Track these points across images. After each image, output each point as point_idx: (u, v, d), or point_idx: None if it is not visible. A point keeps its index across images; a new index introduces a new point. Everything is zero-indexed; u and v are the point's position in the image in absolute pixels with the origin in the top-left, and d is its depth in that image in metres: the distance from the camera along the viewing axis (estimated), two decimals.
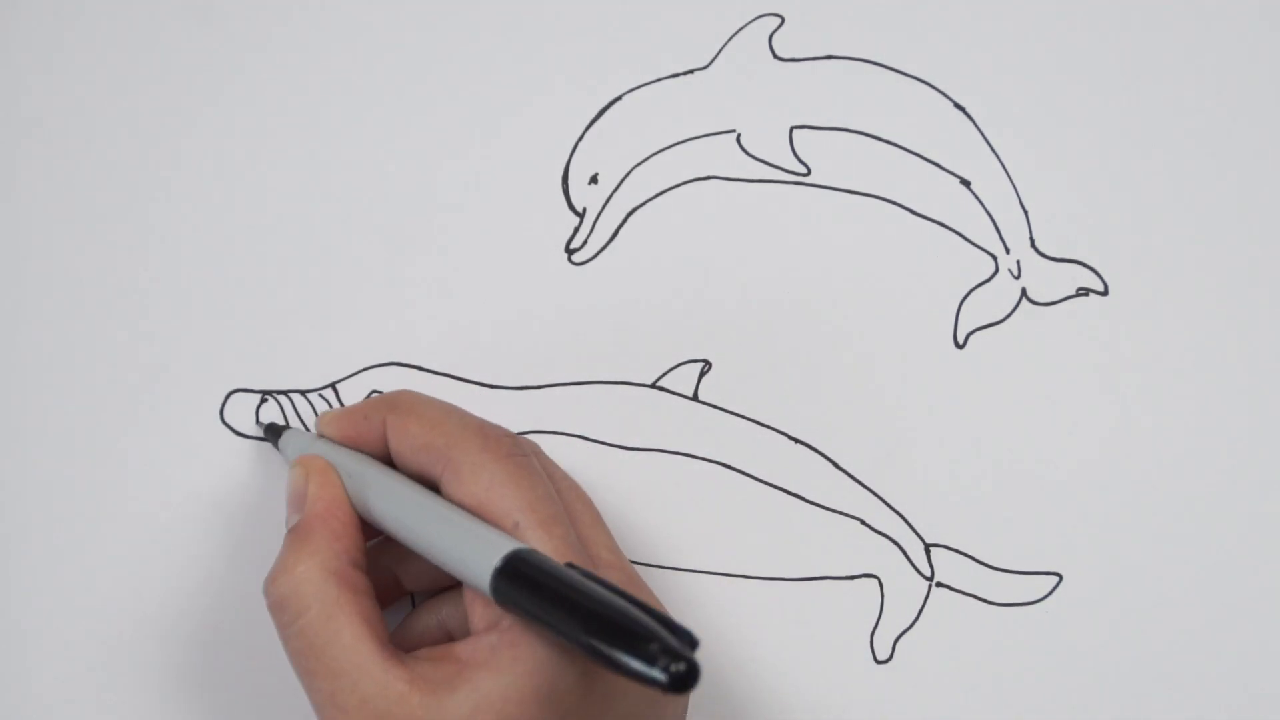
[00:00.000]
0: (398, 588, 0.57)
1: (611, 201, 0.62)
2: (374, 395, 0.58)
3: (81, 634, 0.61)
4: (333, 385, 0.61)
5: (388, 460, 0.55)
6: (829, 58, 0.61)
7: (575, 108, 0.61)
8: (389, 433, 0.54)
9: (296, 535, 0.53)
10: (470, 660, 0.49)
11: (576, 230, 0.62)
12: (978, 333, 0.62)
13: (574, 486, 0.57)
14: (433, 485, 0.53)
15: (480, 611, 0.51)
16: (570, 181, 0.62)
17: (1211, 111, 0.61)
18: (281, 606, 0.51)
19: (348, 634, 0.50)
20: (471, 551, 0.49)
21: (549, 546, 0.49)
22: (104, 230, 0.62)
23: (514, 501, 0.50)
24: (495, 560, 0.48)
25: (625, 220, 0.62)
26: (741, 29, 0.61)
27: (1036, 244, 0.61)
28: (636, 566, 0.62)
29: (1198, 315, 0.61)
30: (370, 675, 0.49)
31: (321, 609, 0.50)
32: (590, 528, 0.55)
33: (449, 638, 0.55)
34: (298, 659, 0.51)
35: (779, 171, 0.61)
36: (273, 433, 0.60)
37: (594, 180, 0.61)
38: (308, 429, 0.60)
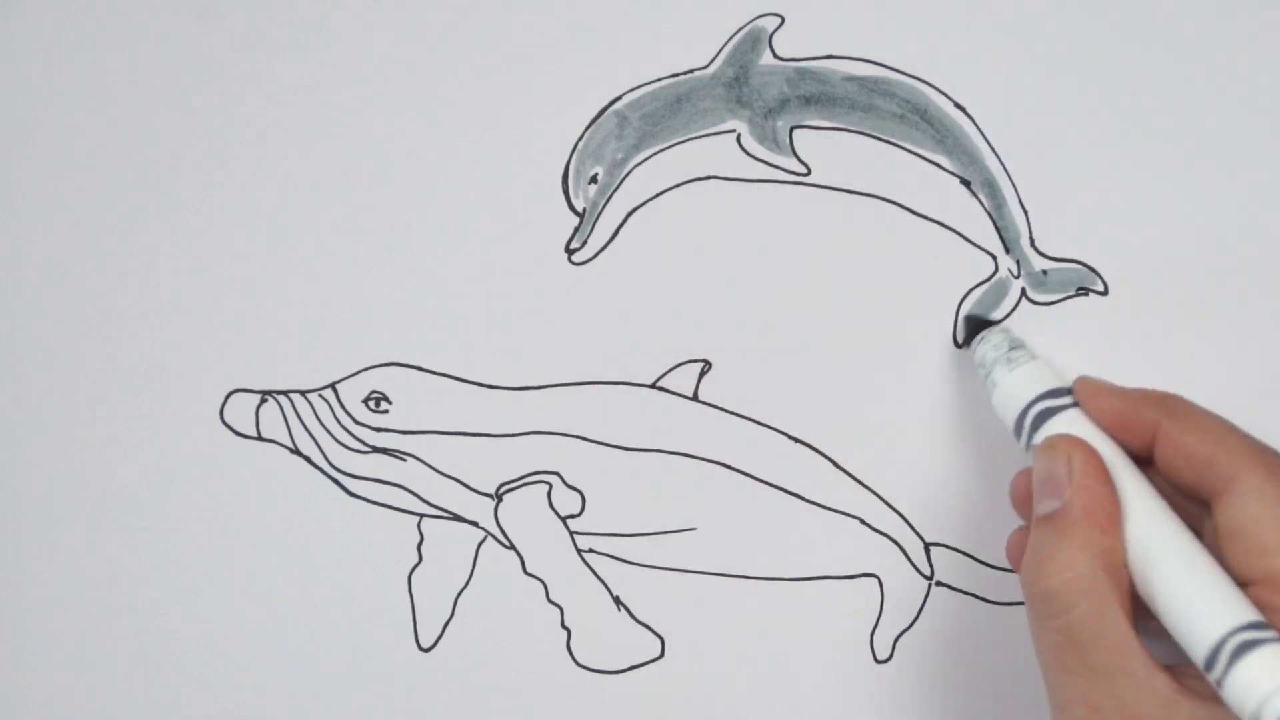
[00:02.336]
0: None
1: (611, 201, 0.62)
2: (1137, 391, 0.54)
3: (81, 633, 0.61)
4: (333, 385, 0.61)
5: (1140, 459, 0.53)
6: (829, 57, 0.61)
7: (575, 108, 0.61)
8: (1160, 438, 0.51)
9: (1062, 524, 0.50)
10: None
11: (576, 230, 0.62)
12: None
13: None
14: (1201, 501, 0.51)
15: None
16: (570, 181, 0.62)
17: (1211, 111, 0.61)
18: (1047, 598, 0.49)
19: (1115, 635, 0.48)
20: (1198, 616, 0.48)
21: None
22: (104, 231, 0.62)
23: None
24: (1217, 633, 0.46)
25: (625, 220, 0.62)
26: (741, 29, 0.61)
27: (1036, 244, 0.61)
28: (636, 567, 0.62)
29: (1198, 315, 0.61)
30: (1135, 679, 0.47)
31: (1090, 606, 0.48)
32: None
33: None
34: (1054, 653, 0.49)
35: (779, 171, 0.61)
36: (980, 336, 0.57)
37: (594, 180, 0.62)
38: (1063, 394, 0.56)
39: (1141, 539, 0.50)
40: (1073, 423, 0.53)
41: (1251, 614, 0.47)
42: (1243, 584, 0.48)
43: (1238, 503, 0.49)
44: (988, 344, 0.58)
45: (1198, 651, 0.47)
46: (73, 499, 0.61)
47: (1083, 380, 0.54)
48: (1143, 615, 0.50)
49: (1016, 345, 0.57)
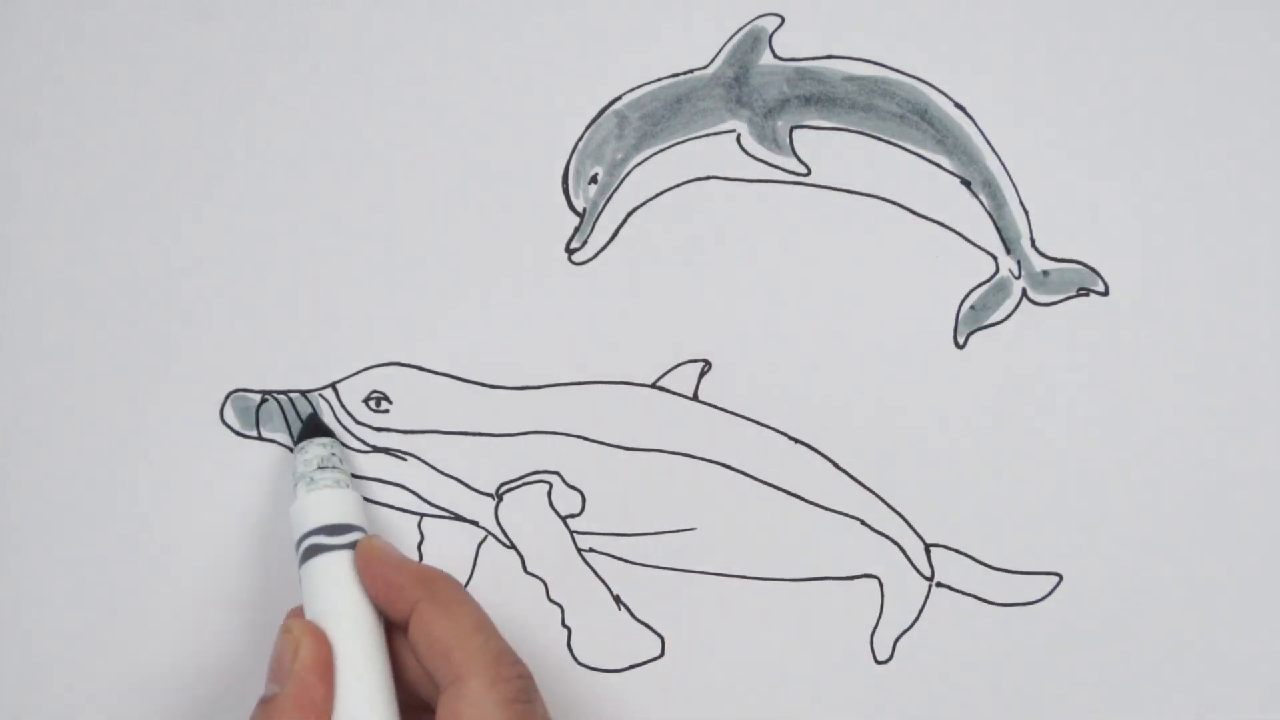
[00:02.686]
0: None
1: (611, 201, 0.62)
2: (412, 565, 0.56)
3: (81, 632, 0.61)
4: (333, 385, 0.61)
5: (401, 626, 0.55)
6: (829, 57, 0.61)
7: (575, 108, 0.61)
8: (414, 618, 0.54)
9: (271, 709, 0.52)
10: None
11: (576, 230, 0.62)
12: (978, 333, 0.62)
13: None
14: (432, 687, 0.54)
15: None
16: (570, 181, 0.62)
17: (1211, 112, 0.61)
18: None
19: None
20: None
21: None
22: (104, 231, 0.62)
23: None
24: None
25: (625, 220, 0.62)
26: (741, 29, 0.61)
27: (1036, 244, 0.61)
28: (636, 567, 0.62)
29: (1198, 315, 0.61)
30: None
31: None
32: None
33: None
34: None
35: (779, 171, 0.61)
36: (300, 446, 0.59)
37: (594, 180, 0.62)
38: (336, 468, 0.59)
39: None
40: (334, 565, 0.55)
41: None
42: None
43: (453, 702, 0.52)
44: (302, 456, 0.59)
45: None
46: (73, 499, 0.61)
47: (365, 543, 0.56)
48: None
49: (327, 465, 0.58)
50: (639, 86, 0.61)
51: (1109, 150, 0.61)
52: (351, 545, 0.56)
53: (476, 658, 0.52)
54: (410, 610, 0.54)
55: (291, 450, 0.61)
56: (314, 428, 0.60)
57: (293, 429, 0.61)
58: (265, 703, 0.53)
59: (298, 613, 0.56)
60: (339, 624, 0.54)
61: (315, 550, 0.56)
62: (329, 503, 0.57)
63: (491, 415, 0.61)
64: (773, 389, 0.61)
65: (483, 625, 0.54)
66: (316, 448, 0.59)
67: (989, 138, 0.61)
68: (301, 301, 0.61)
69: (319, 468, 0.58)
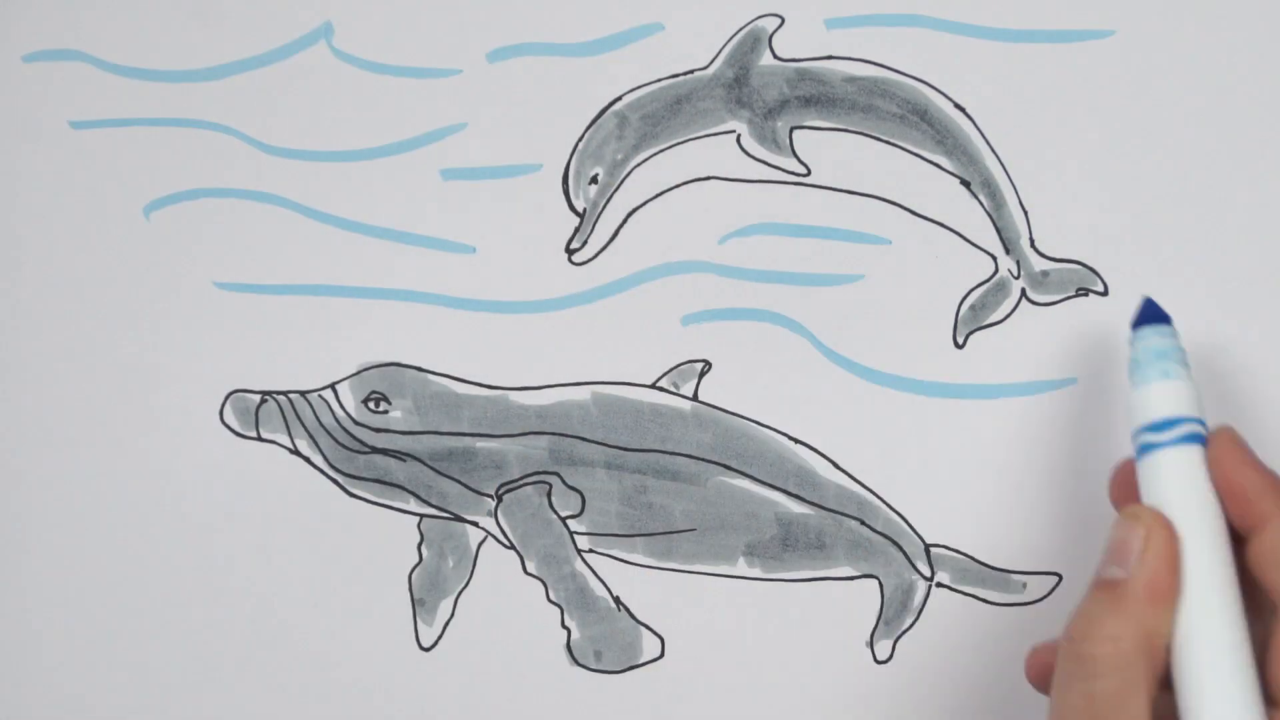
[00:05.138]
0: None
1: (611, 201, 0.62)
2: (1271, 474, 0.51)
3: (82, 633, 0.61)
4: (332, 385, 0.61)
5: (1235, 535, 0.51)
6: (829, 58, 0.61)
7: (575, 108, 0.61)
8: (1263, 533, 0.49)
9: (1120, 596, 0.49)
10: None
11: (577, 230, 0.62)
12: (978, 333, 0.62)
13: None
14: (1267, 607, 0.50)
15: None
16: (570, 181, 0.62)
17: (1211, 111, 0.61)
18: (1082, 660, 0.49)
19: (1133, 716, 0.48)
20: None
21: None
22: (103, 230, 0.62)
23: None
24: None
25: (625, 220, 0.62)
26: (741, 29, 0.61)
27: (1036, 244, 0.61)
28: (636, 567, 0.62)
29: (1197, 316, 0.61)
30: None
31: (1121, 682, 0.48)
32: None
33: None
34: (1072, 714, 0.49)
35: (779, 171, 0.61)
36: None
37: (594, 180, 0.62)
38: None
39: (1187, 632, 0.49)
40: (1168, 462, 0.52)
41: None
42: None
43: None
44: (1132, 348, 0.55)
45: None
46: (73, 499, 0.61)
47: (1218, 437, 0.52)
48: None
49: (1164, 355, 0.54)
50: (639, 87, 0.62)
51: (1109, 150, 0.61)
52: (1183, 438, 0.51)
53: None
54: (1259, 523, 0.50)
55: (292, 450, 0.61)
56: (1148, 314, 0.55)
57: (292, 430, 0.61)
58: (1109, 585, 0.50)
59: (1135, 501, 0.52)
60: (1180, 521, 0.50)
61: (1147, 448, 0.52)
62: (1151, 398, 0.53)
63: (491, 415, 0.61)
64: (773, 389, 0.61)
65: None
66: (1162, 338, 0.54)
67: (989, 138, 0.61)
68: (301, 302, 0.61)
69: (1158, 358, 0.54)
